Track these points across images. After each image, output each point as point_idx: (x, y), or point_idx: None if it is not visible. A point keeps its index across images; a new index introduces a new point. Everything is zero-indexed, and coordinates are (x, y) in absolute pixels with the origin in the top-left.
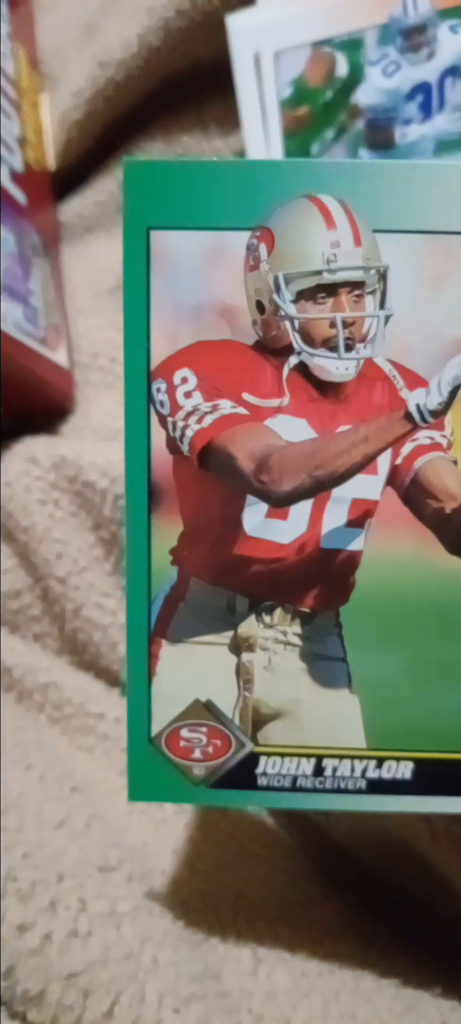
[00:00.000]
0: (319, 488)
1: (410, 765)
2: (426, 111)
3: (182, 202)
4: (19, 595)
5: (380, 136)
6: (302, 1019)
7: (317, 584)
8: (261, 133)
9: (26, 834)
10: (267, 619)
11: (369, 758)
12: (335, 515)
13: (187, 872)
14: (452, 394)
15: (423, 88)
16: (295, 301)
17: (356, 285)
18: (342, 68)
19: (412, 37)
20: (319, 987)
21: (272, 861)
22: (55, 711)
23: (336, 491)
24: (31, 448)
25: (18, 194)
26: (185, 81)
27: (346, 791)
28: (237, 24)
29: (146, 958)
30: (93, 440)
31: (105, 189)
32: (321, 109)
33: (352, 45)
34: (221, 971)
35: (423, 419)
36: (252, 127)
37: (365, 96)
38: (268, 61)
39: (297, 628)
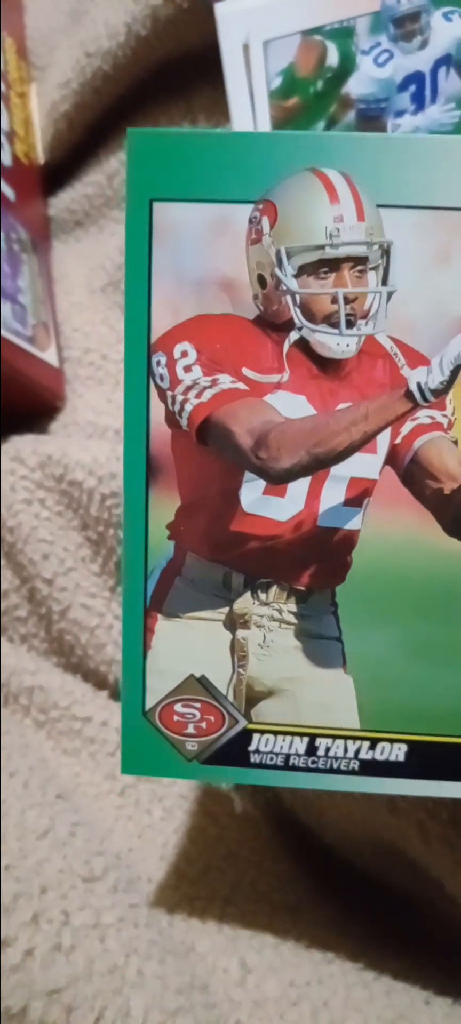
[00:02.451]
0: (318, 466)
1: (403, 747)
2: (419, 102)
3: (185, 174)
4: (5, 596)
5: (372, 127)
6: None
7: (313, 562)
8: (250, 124)
9: (8, 844)
10: (263, 596)
11: (362, 739)
12: (333, 493)
13: (175, 879)
14: (454, 373)
15: (416, 78)
16: (297, 276)
17: (359, 260)
18: (333, 57)
19: (405, 25)
20: (308, 996)
21: (261, 865)
22: (41, 714)
23: (335, 469)
24: (17, 447)
25: (6, 189)
26: (174, 71)
27: (339, 771)
28: (225, 11)
29: (131, 971)
30: (80, 438)
31: (94, 182)
32: (311, 100)
33: (343, 34)
34: (209, 982)
35: (424, 398)
36: (241, 118)
37: (356, 86)
38: (257, 50)
39: (292, 606)
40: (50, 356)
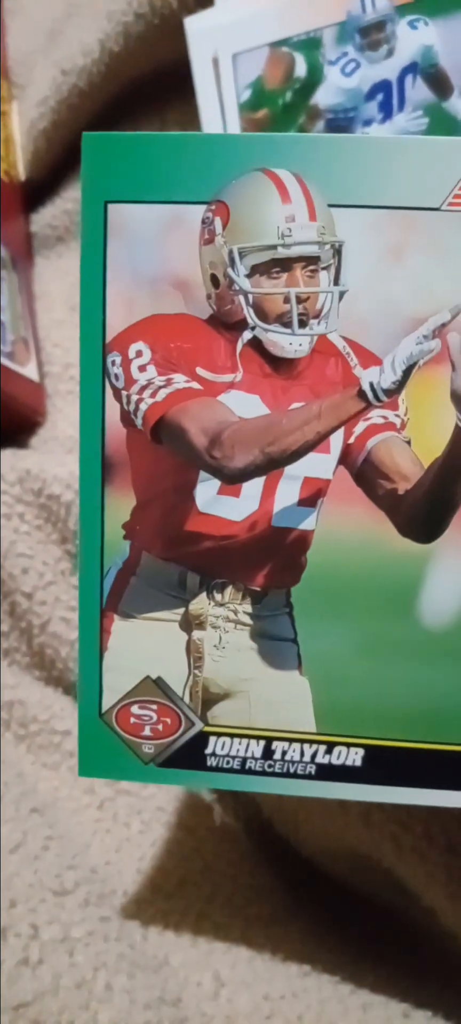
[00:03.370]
0: (271, 465)
1: (360, 752)
2: (387, 111)
3: (139, 175)
4: None
5: None
6: None
7: (268, 562)
8: None
9: None
10: (218, 597)
11: (319, 742)
12: (287, 493)
13: (149, 892)
14: (406, 373)
15: (383, 87)
16: (249, 275)
17: (311, 260)
18: (301, 69)
19: (370, 34)
20: (282, 1010)
21: (238, 878)
22: (21, 728)
23: (288, 469)
24: None
25: None
26: (147, 87)
27: (296, 776)
28: (195, 26)
29: (99, 986)
30: (59, 452)
31: (73, 197)
32: (280, 111)
33: (310, 44)
34: (181, 995)
35: (376, 398)
36: (212, 131)
37: (325, 97)
38: (226, 63)
39: (248, 607)
40: (30, 371)
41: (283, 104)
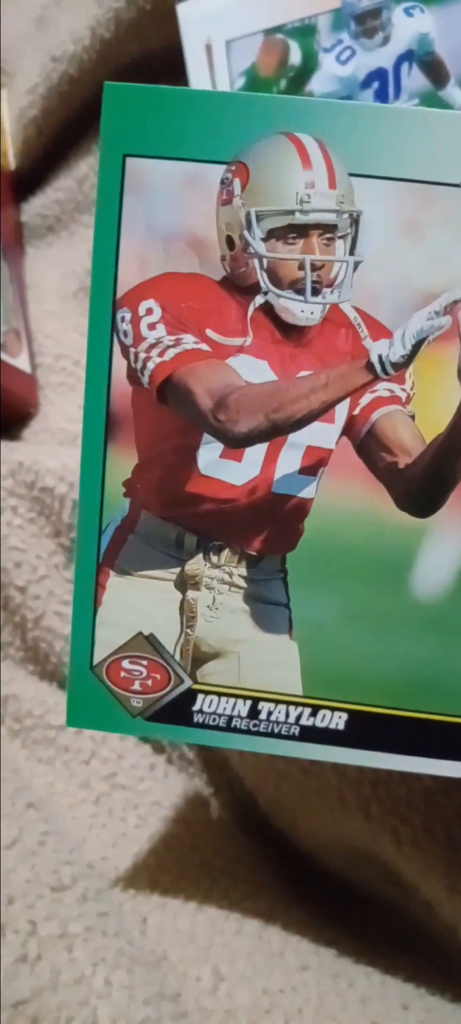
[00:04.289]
0: (275, 432)
1: (344, 716)
2: (382, 99)
3: (159, 130)
4: None
5: None
6: None
7: (266, 528)
8: None
9: None
10: (214, 559)
11: (304, 705)
12: (289, 460)
13: (147, 886)
14: (415, 348)
15: (379, 75)
16: (265, 239)
17: (328, 228)
18: (295, 56)
19: (366, 21)
20: (281, 1004)
21: (236, 873)
22: (15, 723)
23: (292, 437)
24: None
25: None
26: (140, 74)
27: (279, 736)
28: (187, 12)
29: (98, 981)
30: (52, 444)
31: (64, 187)
32: None
33: (305, 32)
34: (180, 990)
35: (384, 371)
36: None
37: (319, 85)
38: (220, 50)
39: (243, 570)
40: (22, 362)
41: (277, 92)
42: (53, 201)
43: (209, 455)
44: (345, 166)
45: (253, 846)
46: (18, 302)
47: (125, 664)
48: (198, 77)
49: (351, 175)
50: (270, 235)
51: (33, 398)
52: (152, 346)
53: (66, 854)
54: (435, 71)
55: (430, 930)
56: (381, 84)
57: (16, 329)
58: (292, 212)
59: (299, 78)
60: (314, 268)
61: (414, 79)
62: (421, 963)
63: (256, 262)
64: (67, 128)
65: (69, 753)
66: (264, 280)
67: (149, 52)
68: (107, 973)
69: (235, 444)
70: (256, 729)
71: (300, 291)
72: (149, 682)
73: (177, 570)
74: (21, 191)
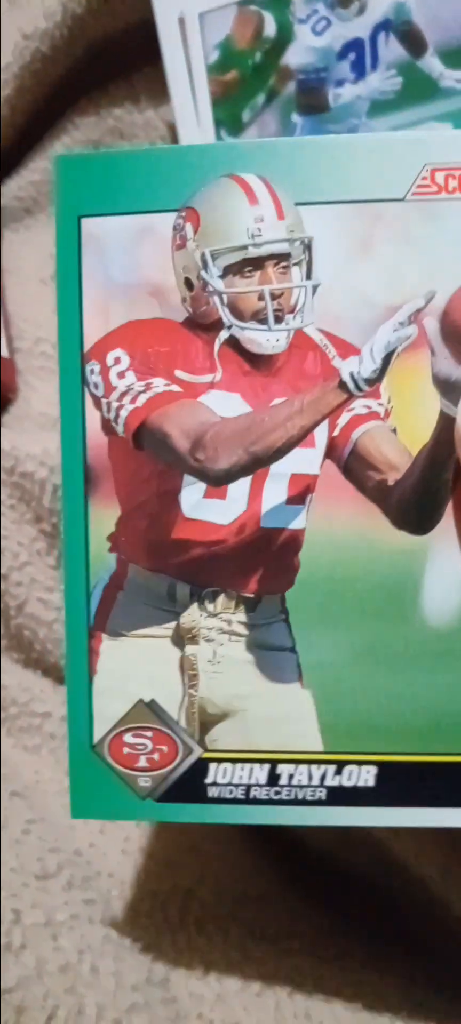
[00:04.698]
0: (256, 464)
1: (373, 770)
2: (359, 70)
3: (111, 190)
4: None
5: (312, 98)
6: (254, 1021)
7: (260, 566)
8: (190, 101)
9: None
10: (210, 607)
11: (327, 762)
12: (275, 492)
13: (135, 873)
14: (386, 360)
15: (355, 45)
16: (223, 276)
17: (282, 257)
18: (270, 27)
19: None
20: (272, 988)
21: (225, 857)
22: (0, 711)
23: (274, 467)
24: None
25: None
26: (113, 50)
27: (304, 802)
28: None
29: (84, 969)
30: (32, 429)
31: (40, 168)
32: (250, 73)
33: (280, 2)
34: (169, 976)
35: (358, 387)
36: (180, 95)
37: (295, 57)
38: (193, 23)
39: (242, 616)
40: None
41: (253, 65)
42: (29, 183)
43: (192, 497)
44: (291, 197)
45: (242, 830)
46: None
47: (128, 738)
48: (172, 52)
49: (298, 204)
50: (227, 271)
51: (12, 383)
52: (123, 394)
53: (52, 842)
54: (412, 40)
55: (424, 908)
56: (358, 55)
57: None
58: (245, 247)
59: (274, 50)
60: (274, 297)
61: (391, 49)
62: (416, 942)
63: (216, 299)
64: (41, 107)
65: (55, 740)
66: (226, 315)
67: (122, 27)
68: (93, 960)
69: (216, 482)
70: (278, 797)
71: (263, 321)
72: (156, 756)
73: (172, 624)
74: None
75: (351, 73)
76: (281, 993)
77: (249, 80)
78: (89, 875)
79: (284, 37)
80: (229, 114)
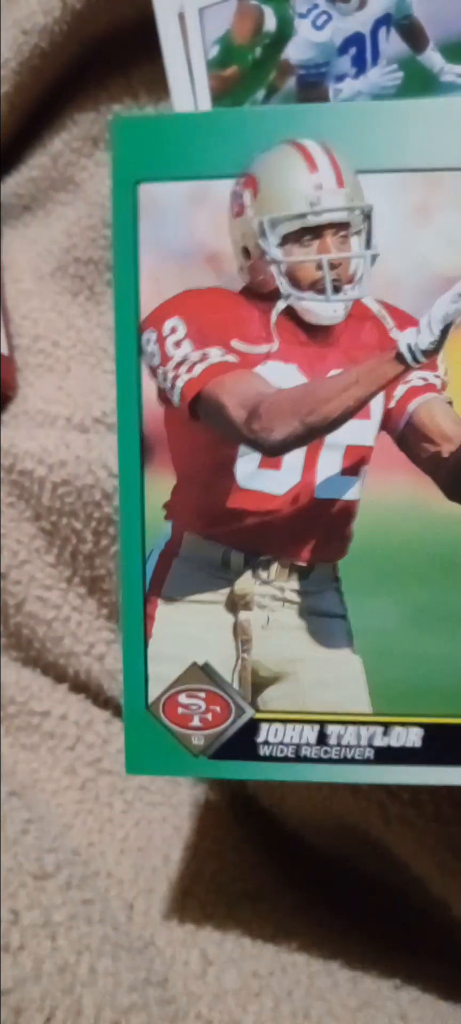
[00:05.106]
0: (312, 435)
1: (419, 731)
2: (360, 65)
3: (168, 155)
4: None
5: (312, 94)
6: (252, 1020)
7: (313, 536)
8: (190, 97)
9: None
10: (263, 575)
11: (376, 724)
12: (329, 463)
13: (132, 872)
14: (444, 332)
15: (355, 40)
16: (281, 245)
17: (341, 226)
18: (270, 22)
19: None
20: (271, 986)
21: (223, 855)
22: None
23: (329, 438)
24: None
25: None
26: (112, 46)
27: (353, 761)
28: None
29: (83, 969)
30: (30, 427)
31: (39, 164)
32: (250, 68)
33: None
34: (167, 975)
35: (415, 359)
36: (180, 91)
37: (295, 52)
38: (193, 18)
39: (294, 584)
40: None
41: (253, 60)
42: (28, 179)
43: (247, 467)
44: (351, 165)
45: (241, 828)
46: None
47: (182, 699)
48: (171, 47)
49: (358, 172)
50: (285, 240)
51: (12, 381)
52: (180, 363)
53: (50, 841)
54: (413, 35)
55: (423, 908)
56: (358, 49)
57: None
58: (304, 215)
59: (274, 45)
60: (332, 266)
61: (392, 44)
62: (414, 941)
63: (274, 268)
64: (40, 105)
65: (54, 739)
66: (284, 285)
67: (122, 22)
68: (92, 961)
69: (272, 452)
70: (327, 756)
71: (321, 291)
72: (209, 716)
73: (226, 591)
74: None
75: (352, 68)
76: (280, 992)
77: (249, 75)
78: (87, 875)
79: (284, 32)
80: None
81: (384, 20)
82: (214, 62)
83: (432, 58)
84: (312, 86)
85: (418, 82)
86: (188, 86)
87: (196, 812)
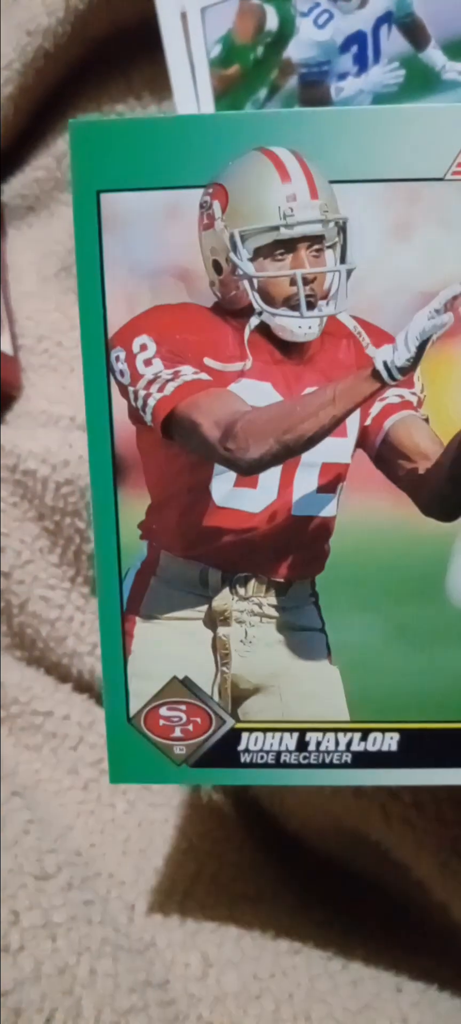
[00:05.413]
0: (288, 453)
1: (396, 736)
2: (361, 63)
3: (131, 162)
4: None
5: (314, 93)
6: (253, 1022)
7: (290, 553)
8: (192, 96)
9: None
10: (241, 591)
11: (353, 730)
12: (306, 481)
13: (134, 873)
14: (420, 349)
15: (357, 38)
16: (253, 259)
17: (315, 239)
18: (272, 21)
19: None
20: (271, 989)
21: (223, 856)
22: (1, 710)
23: (305, 456)
24: None
25: None
26: (114, 48)
27: (331, 765)
28: None
29: (83, 970)
30: (33, 427)
31: (43, 165)
32: (252, 67)
33: None
34: (168, 978)
35: (391, 376)
36: (182, 90)
37: (297, 51)
38: (195, 17)
39: (272, 599)
40: (3, 345)
41: (254, 59)
42: (32, 180)
43: (223, 486)
44: (325, 174)
45: (241, 829)
46: None
47: (163, 711)
48: (174, 47)
49: (332, 182)
50: (257, 254)
51: (16, 381)
52: (151, 382)
53: (51, 842)
54: (415, 33)
55: (423, 910)
56: (360, 48)
57: None
58: (276, 228)
59: (276, 44)
60: (306, 281)
61: (393, 42)
62: (415, 944)
63: (246, 283)
64: (43, 106)
65: (56, 739)
66: (257, 300)
67: (125, 23)
68: (91, 962)
69: (247, 471)
70: (306, 761)
71: (295, 307)
72: (190, 727)
73: (204, 608)
74: (1, 172)
75: (353, 66)
76: (280, 994)
77: (251, 74)
78: (88, 876)
79: (286, 31)
80: (231, 109)
81: (385, 18)
82: (216, 61)
83: (434, 56)
84: (314, 85)
85: (420, 80)
86: (191, 85)
87: (198, 814)
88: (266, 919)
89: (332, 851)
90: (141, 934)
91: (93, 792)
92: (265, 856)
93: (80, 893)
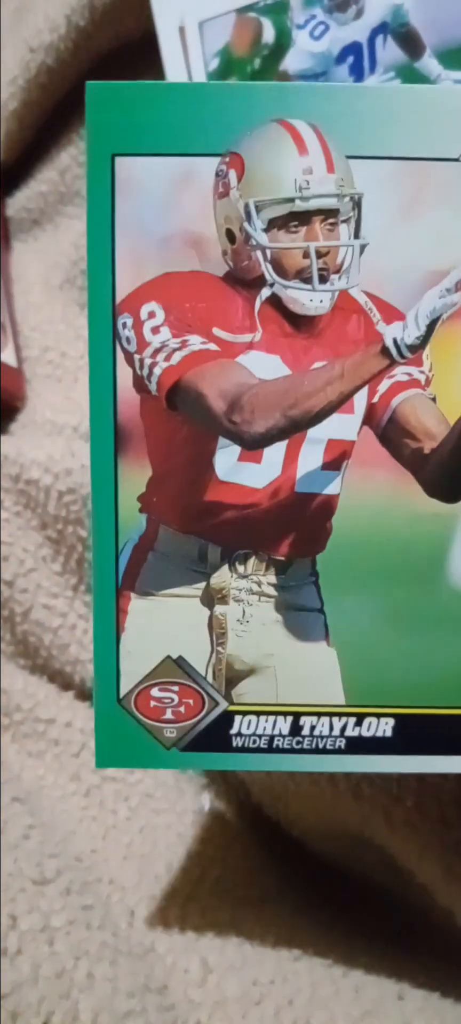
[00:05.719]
0: (294, 428)
1: (390, 722)
2: (358, 73)
3: (148, 127)
4: None
5: None
6: None
7: (292, 530)
8: None
9: None
10: (240, 568)
11: (348, 715)
12: (310, 457)
13: (135, 878)
14: (430, 328)
15: (353, 49)
16: (267, 230)
17: (330, 213)
18: (269, 34)
19: None
20: (272, 995)
21: (226, 861)
22: (5, 718)
23: (311, 432)
24: None
25: None
26: (116, 62)
27: (325, 751)
28: None
29: (80, 974)
30: (37, 436)
31: (48, 179)
32: (249, 79)
33: (277, 8)
34: (167, 982)
35: (400, 354)
36: None
37: (294, 62)
38: (193, 32)
39: (272, 578)
40: (8, 356)
41: (252, 71)
42: (37, 194)
43: (227, 460)
44: (341, 149)
45: (244, 834)
46: (4, 297)
47: (155, 692)
48: (172, 61)
49: (348, 157)
50: (271, 225)
51: (20, 392)
52: (157, 351)
53: (51, 847)
54: (410, 43)
55: (427, 915)
56: (356, 58)
57: (2, 323)
58: (292, 200)
59: (273, 56)
60: (319, 255)
61: (389, 52)
62: (418, 950)
63: (259, 254)
64: (48, 119)
65: (59, 746)
66: (269, 272)
67: (126, 38)
68: (89, 966)
69: (252, 445)
70: (300, 746)
71: (307, 280)
72: (182, 709)
73: (202, 585)
74: (4, 186)
75: (349, 76)
76: (281, 1000)
77: None
78: (89, 881)
79: (283, 43)
80: None
81: (381, 28)
82: (214, 74)
83: (429, 65)
84: None
85: None
86: None
87: (200, 819)
88: (268, 924)
89: (335, 855)
90: (141, 939)
91: (95, 798)
92: (268, 861)
93: (79, 898)
